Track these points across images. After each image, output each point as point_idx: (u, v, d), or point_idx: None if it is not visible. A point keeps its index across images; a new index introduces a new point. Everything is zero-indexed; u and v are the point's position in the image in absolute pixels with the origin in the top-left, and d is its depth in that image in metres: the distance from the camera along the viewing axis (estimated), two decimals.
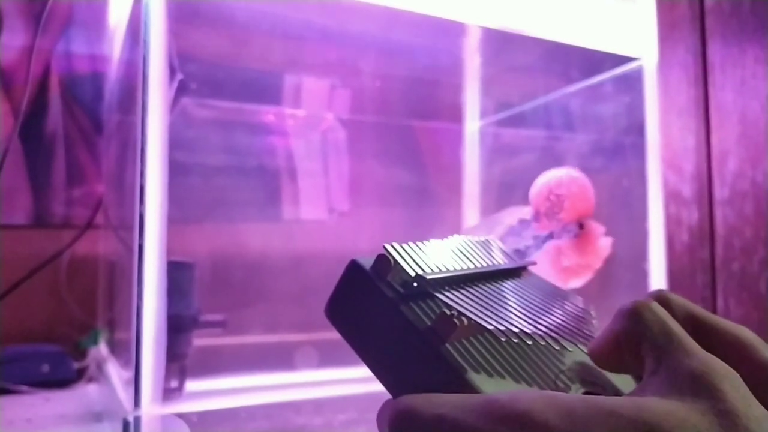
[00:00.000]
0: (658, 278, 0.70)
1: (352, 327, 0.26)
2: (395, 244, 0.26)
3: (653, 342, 0.21)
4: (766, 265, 0.74)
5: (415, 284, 0.25)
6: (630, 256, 0.74)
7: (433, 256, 0.28)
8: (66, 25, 0.94)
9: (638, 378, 0.27)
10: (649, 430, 0.17)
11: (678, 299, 0.25)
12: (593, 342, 0.24)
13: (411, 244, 0.27)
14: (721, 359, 0.20)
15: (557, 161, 0.91)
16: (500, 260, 0.32)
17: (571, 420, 0.18)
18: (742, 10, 0.78)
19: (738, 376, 0.20)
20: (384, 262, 0.25)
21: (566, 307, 0.30)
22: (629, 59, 0.73)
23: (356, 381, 0.56)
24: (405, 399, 0.22)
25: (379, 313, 0.25)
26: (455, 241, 0.30)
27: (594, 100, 0.83)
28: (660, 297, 0.25)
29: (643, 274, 0.71)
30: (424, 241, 0.28)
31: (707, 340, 0.24)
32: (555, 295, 0.31)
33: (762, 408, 0.19)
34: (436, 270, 0.27)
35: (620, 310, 0.23)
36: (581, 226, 0.61)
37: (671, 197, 0.85)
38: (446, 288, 0.26)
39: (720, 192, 0.80)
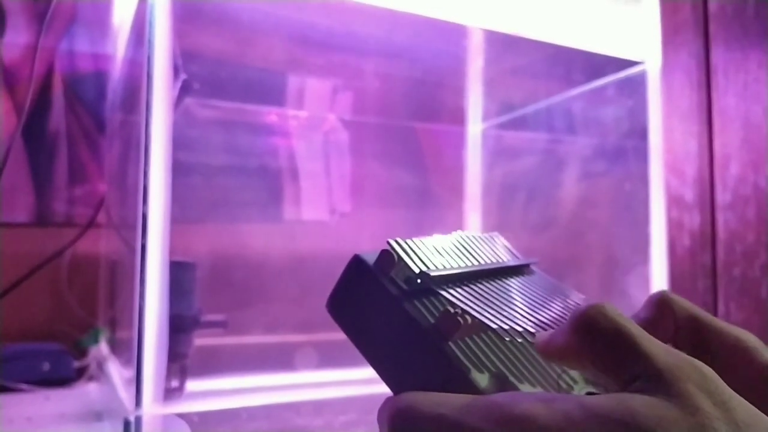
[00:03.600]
0: (659, 282, 0.70)
1: (354, 322, 0.26)
2: (399, 239, 0.26)
3: (612, 347, 0.21)
4: (767, 270, 0.74)
5: (418, 281, 0.25)
6: (631, 260, 0.74)
7: (437, 252, 0.28)
8: (70, 23, 0.94)
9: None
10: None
11: (680, 301, 0.25)
12: (544, 339, 0.23)
13: (415, 239, 0.27)
14: (721, 361, 0.20)
15: (559, 164, 0.91)
16: (504, 257, 0.32)
17: (569, 424, 0.18)
18: (746, 15, 0.78)
19: (702, 368, 0.20)
20: (387, 257, 0.25)
21: (570, 305, 0.30)
22: (632, 63, 0.73)
23: (357, 382, 0.56)
24: (406, 396, 0.22)
25: (382, 310, 0.25)
26: (459, 236, 0.30)
27: (597, 104, 0.83)
28: (663, 299, 0.25)
29: (644, 278, 0.71)
30: (428, 237, 0.28)
31: (708, 342, 0.24)
32: (558, 294, 0.31)
33: (732, 397, 0.19)
34: (440, 266, 0.26)
35: (574, 317, 0.22)
36: None
37: (673, 201, 0.85)
38: (450, 285, 0.26)
39: (722, 196, 0.80)
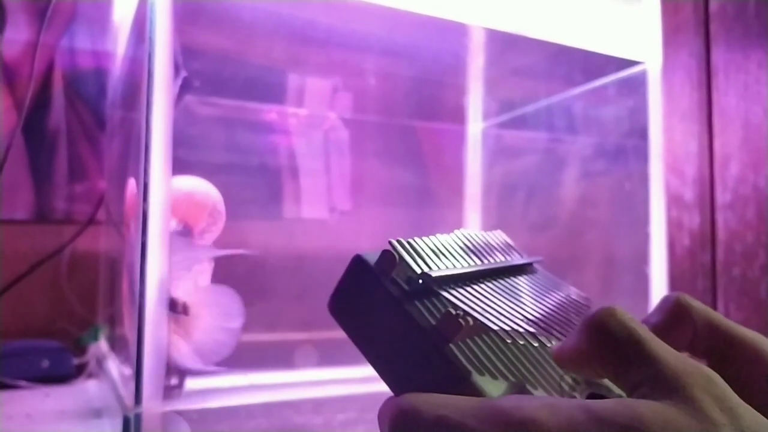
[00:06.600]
0: (659, 282, 0.70)
1: (355, 323, 0.25)
2: (401, 239, 0.26)
3: (621, 352, 0.21)
4: (766, 270, 0.74)
5: (420, 281, 0.25)
6: (631, 260, 0.74)
7: (439, 252, 0.27)
8: (70, 21, 0.94)
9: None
10: None
11: (698, 306, 0.25)
12: (559, 346, 0.24)
13: (416, 239, 0.27)
14: (738, 369, 0.20)
15: (559, 164, 0.91)
16: (507, 255, 0.31)
17: (573, 428, 0.18)
18: (747, 15, 0.78)
19: (711, 374, 0.20)
20: (389, 257, 0.25)
21: (573, 306, 0.30)
22: (633, 63, 0.73)
23: (356, 381, 0.56)
24: (407, 398, 0.22)
25: (383, 311, 0.24)
26: (461, 235, 0.30)
27: (597, 103, 0.83)
28: (680, 304, 0.25)
29: (644, 278, 0.71)
30: (430, 236, 0.28)
31: (726, 349, 0.24)
32: (562, 293, 0.31)
33: (739, 404, 0.19)
34: (442, 266, 0.26)
35: (585, 321, 0.22)
36: None
37: (673, 201, 0.85)
38: (452, 286, 0.26)
39: (722, 196, 0.80)
